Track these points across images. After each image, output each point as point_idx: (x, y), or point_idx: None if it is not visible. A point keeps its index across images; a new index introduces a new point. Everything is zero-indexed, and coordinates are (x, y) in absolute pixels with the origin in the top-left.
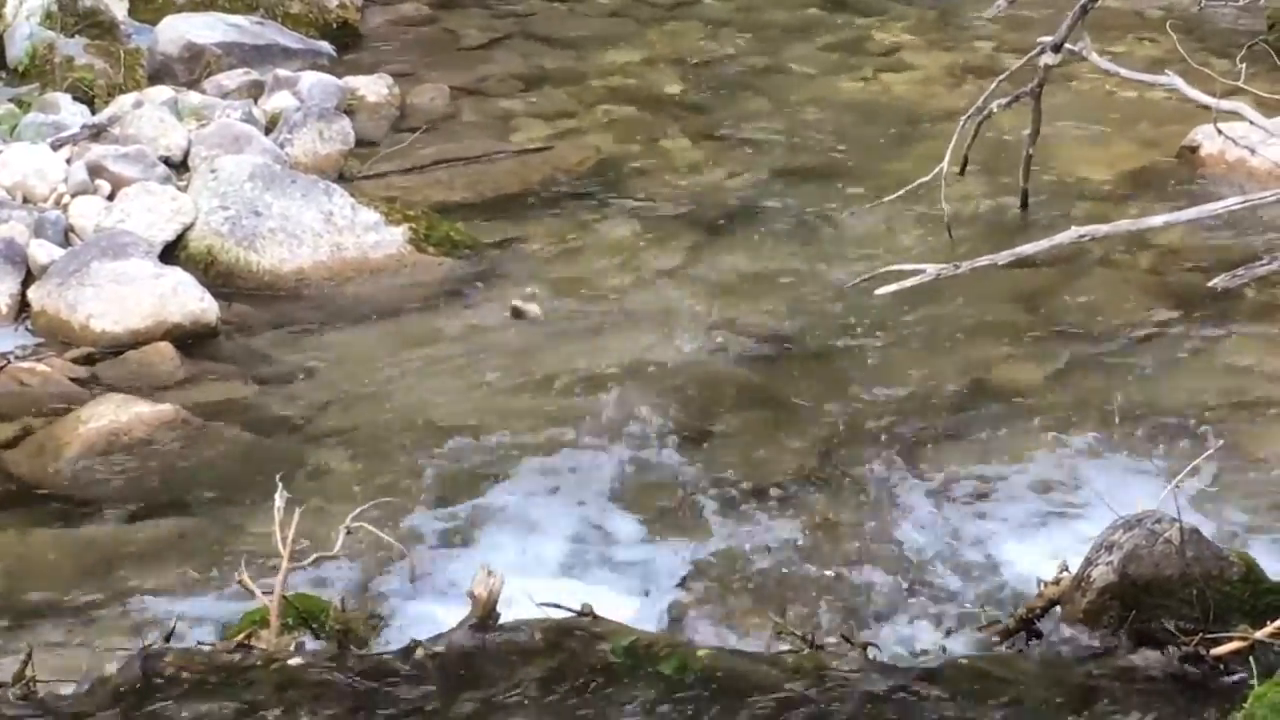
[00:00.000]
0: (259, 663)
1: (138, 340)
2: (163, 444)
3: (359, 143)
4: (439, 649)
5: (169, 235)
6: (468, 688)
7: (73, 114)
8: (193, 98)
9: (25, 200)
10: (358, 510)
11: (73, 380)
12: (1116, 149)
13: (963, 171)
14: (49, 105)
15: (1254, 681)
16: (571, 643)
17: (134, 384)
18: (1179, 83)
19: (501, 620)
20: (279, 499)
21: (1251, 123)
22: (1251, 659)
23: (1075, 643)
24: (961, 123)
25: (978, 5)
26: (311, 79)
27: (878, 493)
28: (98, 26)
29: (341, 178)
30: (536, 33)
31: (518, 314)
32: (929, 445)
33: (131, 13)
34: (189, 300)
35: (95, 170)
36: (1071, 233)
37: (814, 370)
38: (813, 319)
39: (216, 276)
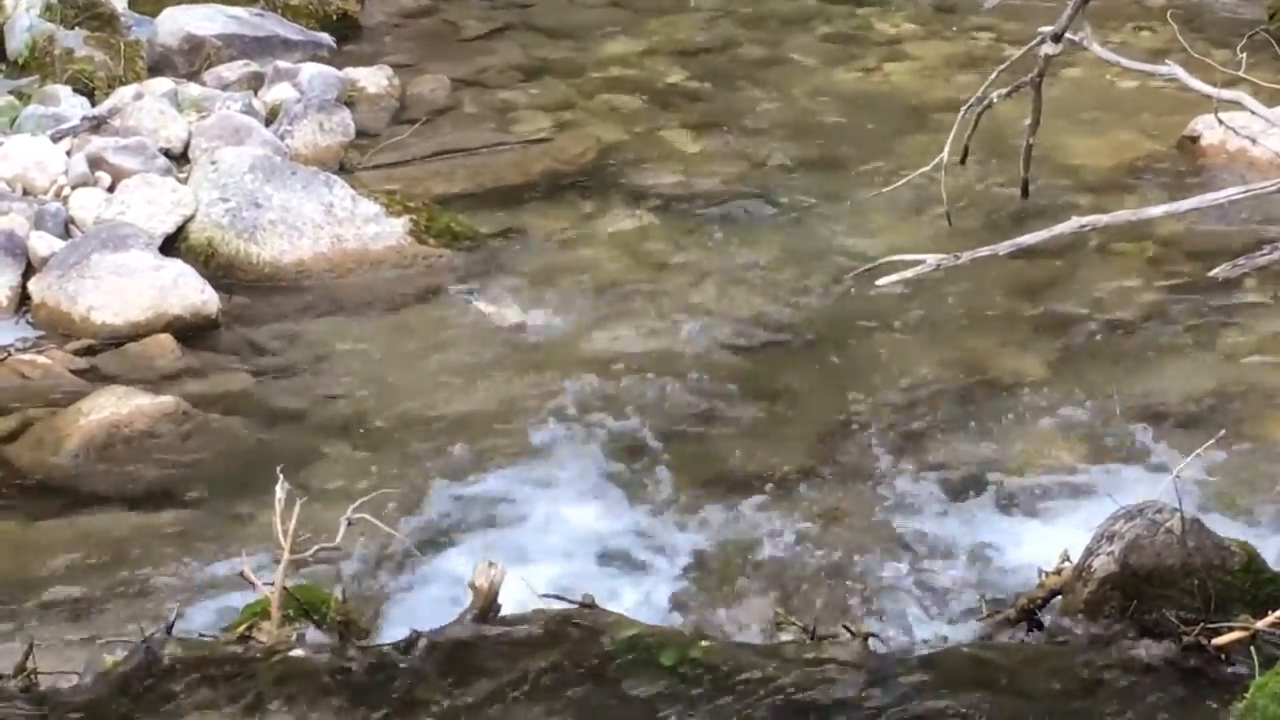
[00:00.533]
0: (260, 654)
1: (138, 332)
2: (163, 436)
3: (359, 134)
4: (440, 640)
5: (169, 227)
6: (469, 679)
7: (73, 106)
8: (193, 89)
9: (25, 192)
10: (359, 502)
11: (73, 372)
12: (1117, 139)
13: (963, 161)
14: (49, 97)
15: (1255, 671)
16: (573, 634)
17: (135, 376)
18: (1179, 72)
19: (502, 612)
20: (280, 491)
21: (1252, 112)
22: (1253, 649)
23: (1076, 633)
24: (962, 113)
25: None
26: (312, 71)
27: (879, 483)
28: (98, 19)
29: (342, 169)
30: (537, 23)
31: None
32: (930, 435)
33: (131, 5)
34: (189, 292)
35: (95, 162)
36: (1072, 223)
37: (815, 360)
38: (813, 309)
39: (217, 268)
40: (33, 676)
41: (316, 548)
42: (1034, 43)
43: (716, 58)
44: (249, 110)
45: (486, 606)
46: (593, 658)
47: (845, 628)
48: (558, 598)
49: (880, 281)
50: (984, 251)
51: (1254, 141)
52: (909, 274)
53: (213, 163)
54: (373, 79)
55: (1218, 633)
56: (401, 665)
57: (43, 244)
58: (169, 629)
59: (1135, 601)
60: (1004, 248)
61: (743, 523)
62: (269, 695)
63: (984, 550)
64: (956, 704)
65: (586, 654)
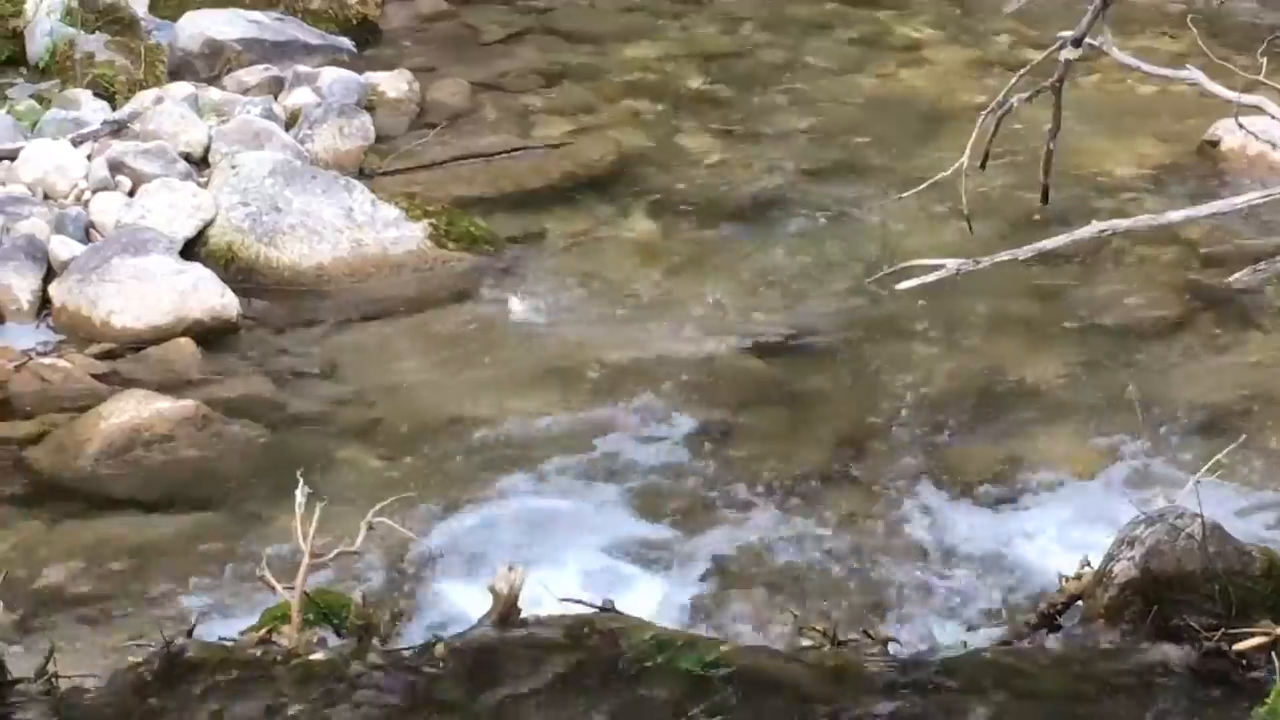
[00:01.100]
0: (280, 658)
1: (158, 336)
2: (183, 440)
3: (379, 138)
4: (460, 645)
5: (189, 231)
6: (489, 683)
7: (93, 110)
8: (213, 94)
9: (46, 197)
10: (379, 505)
11: (94, 376)
12: (1138, 144)
13: (983, 166)
14: (70, 102)
15: (1277, 677)
16: (593, 638)
17: (155, 380)
18: (1200, 77)
19: (523, 616)
20: (300, 494)
21: (1273, 117)
22: (1274, 654)
23: (1097, 638)
24: (982, 117)
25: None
26: (332, 75)
27: (899, 488)
28: (118, 23)
29: (362, 174)
30: (556, 28)
31: None
32: (950, 440)
33: (152, 9)
34: (209, 296)
35: (116, 166)
36: (1093, 227)
37: (835, 365)
38: (833, 314)
39: (237, 272)
40: (54, 679)
41: (337, 551)
42: (1054, 47)
43: (736, 62)
44: (269, 115)
45: (507, 611)
46: (613, 662)
47: (865, 633)
48: (578, 602)
49: (901, 286)
50: (1004, 256)
51: (1275, 146)
52: (929, 278)
53: (233, 167)
54: (393, 83)
55: (1239, 638)
56: (422, 669)
57: (63, 248)
58: (189, 632)
59: (1156, 607)
60: (1024, 252)
61: (763, 527)
62: (289, 699)
63: (1004, 555)
64: (977, 709)
65: (607, 658)
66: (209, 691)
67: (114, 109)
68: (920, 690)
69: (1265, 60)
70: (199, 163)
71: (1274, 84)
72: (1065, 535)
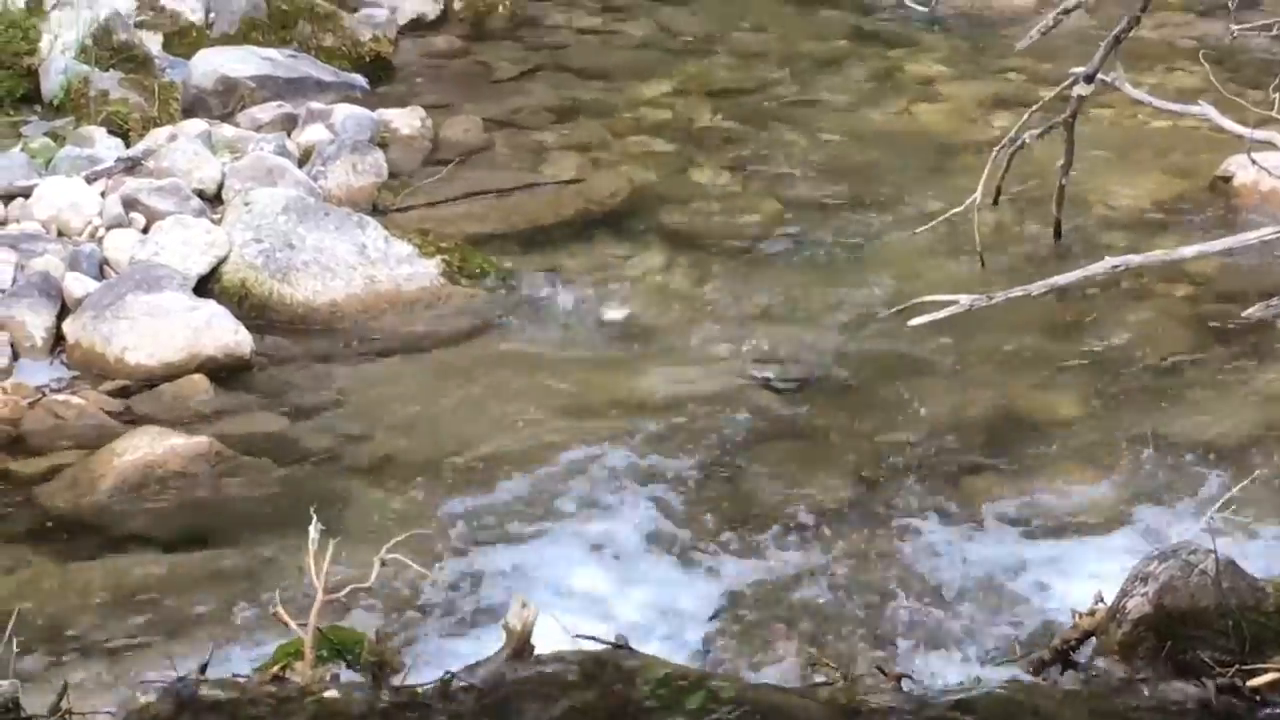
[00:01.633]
0: (294, 695)
1: (172, 373)
2: (197, 476)
3: (392, 175)
4: (474, 681)
5: (203, 268)
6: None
7: (108, 147)
8: (227, 131)
9: (60, 233)
10: (392, 541)
11: (107, 413)
12: (1150, 179)
13: (996, 202)
14: (84, 139)
15: None
16: (607, 675)
17: (168, 416)
18: (1211, 112)
19: (536, 652)
20: (313, 530)
21: None
22: None
23: (1111, 674)
24: (994, 153)
25: (1010, 36)
26: (345, 112)
27: (911, 524)
28: (132, 60)
29: (375, 210)
30: (569, 65)
31: None
32: (963, 476)
33: (166, 46)
34: (223, 333)
35: (130, 203)
36: (1105, 263)
37: (847, 401)
38: (846, 350)
39: (250, 309)
40: (67, 716)
41: (350, 588)
42: (1066, 83)
43: (748, 99)
44: (282, 151)
45: (520, 647)
46: (626, 699)
47: (879, 669)
48: (591, 639)
49: (913, 321)
50: (1017, 292)
51: None
52: (942, 314)
53: (246, 204)
54: (406, 120)
55: (1253, 674)
56: (436, 706)
57: (78, 285)
58: (203, 669)
59: (1170, 643)
60: (1037, 288)
61: (776, 563)
62: None
63: (1018, 591)
64: None
65: (621, 695)
66: None
67: (128, 146)
68: None
69: (1277, 96)
70: (213, 199)
71: None
72: (1079, 571)
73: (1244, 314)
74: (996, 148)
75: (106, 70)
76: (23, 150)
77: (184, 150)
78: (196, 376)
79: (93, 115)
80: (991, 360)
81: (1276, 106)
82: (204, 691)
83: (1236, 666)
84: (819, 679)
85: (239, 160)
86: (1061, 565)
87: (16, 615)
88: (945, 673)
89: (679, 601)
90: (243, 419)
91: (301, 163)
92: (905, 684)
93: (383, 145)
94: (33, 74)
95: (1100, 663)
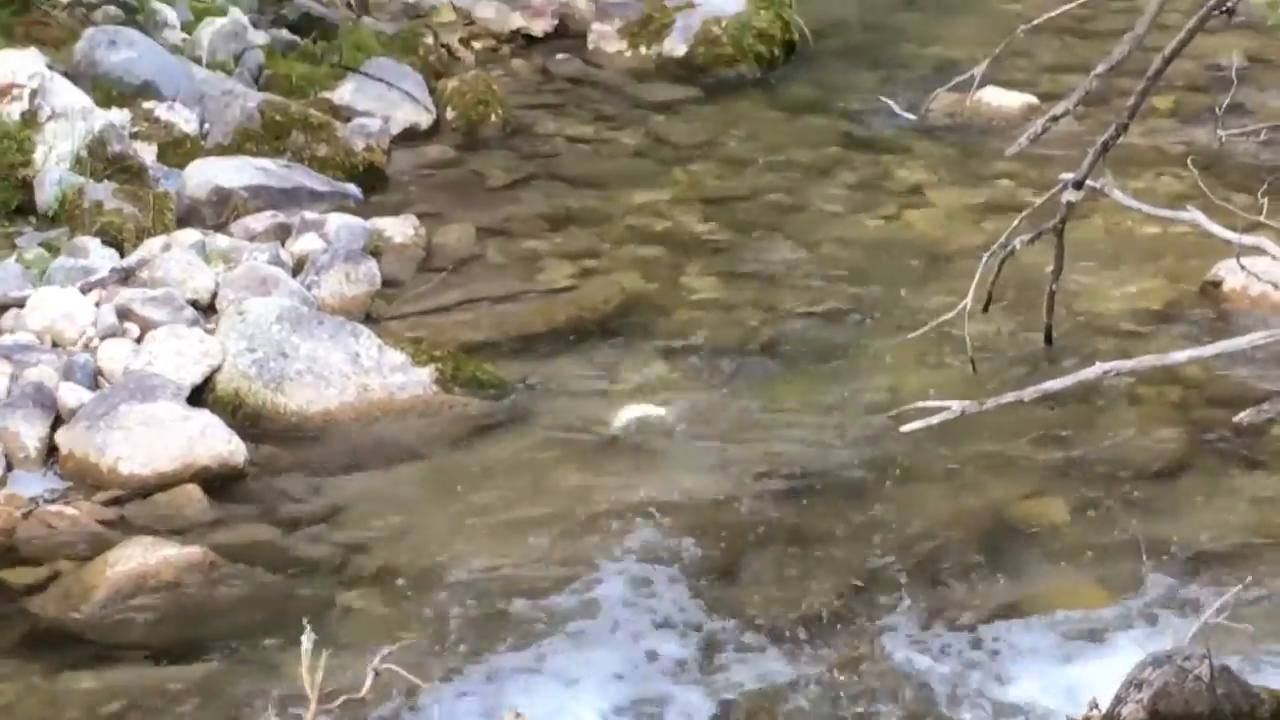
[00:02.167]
0: None
1: (166, 483)
2: (190, 587)
3: (386, 283)
4: None
5: (197, 377)
6: None
7: (101, 258)
8: (220, 240)
9: (54, 344)
10: (385, 652)
11: (101, 523)
12: (1140, 284)
13: (986, 308)
14: (78, 249)
15: None
16: None
17: (162, 527)
18: (1200, 218)
19: None
20: (306, 641)
21: (1274, 257)
22: None
23: None
24: (984, 259)
25: (999, 142)
26: (338, 221)
27: (903, 630)
28: (126, 171)
29: (368, 318)
30: (561, 173)
31: None
32: (954, 581)
33: (160, 157)
34: (217, 442)
35: (124, 313)
36: (1096, 369)
37: (839, 507)
38: (838, 456)
39: (244, 418)
40: None
41: (344, 698)
42: (1056, 189)
43: (741, 205)
44: (276, 261)
45: None
46: None
47: None
48: None
49: (905, 428)
50: (1009, 398)
51: (1277, 286)
52: (934, 420)
53: (240, 313)
54: (399, 228)
55: None
56: None
57: (71, 395)
58: None
59: None
60: (1028, 394)
61: (767, 671)
62: None
63: (1011, 699)
64: None
65: None
66: None
67: (122, 256)
68: None
69: (1265, 200)
70: (206, 309)
71: (1275, 224)
72: (1073, 677)
73: (1236, 419)
74: (987, 253)
75: (101, 181)
76: (17, 261)
77: (178, 260)
78: (190, 486)
79: (87, 226)
80: (984, 465)
81: (1264, 211)
82: None
83: None
84: None
85: (233, 270)
86: (1055, 672)
87: None
88: None
89: (670, 711)
90: (236, 529)
91: (295, 272)
92: None
93: (376, 254)
94: (27, 185)
95: None
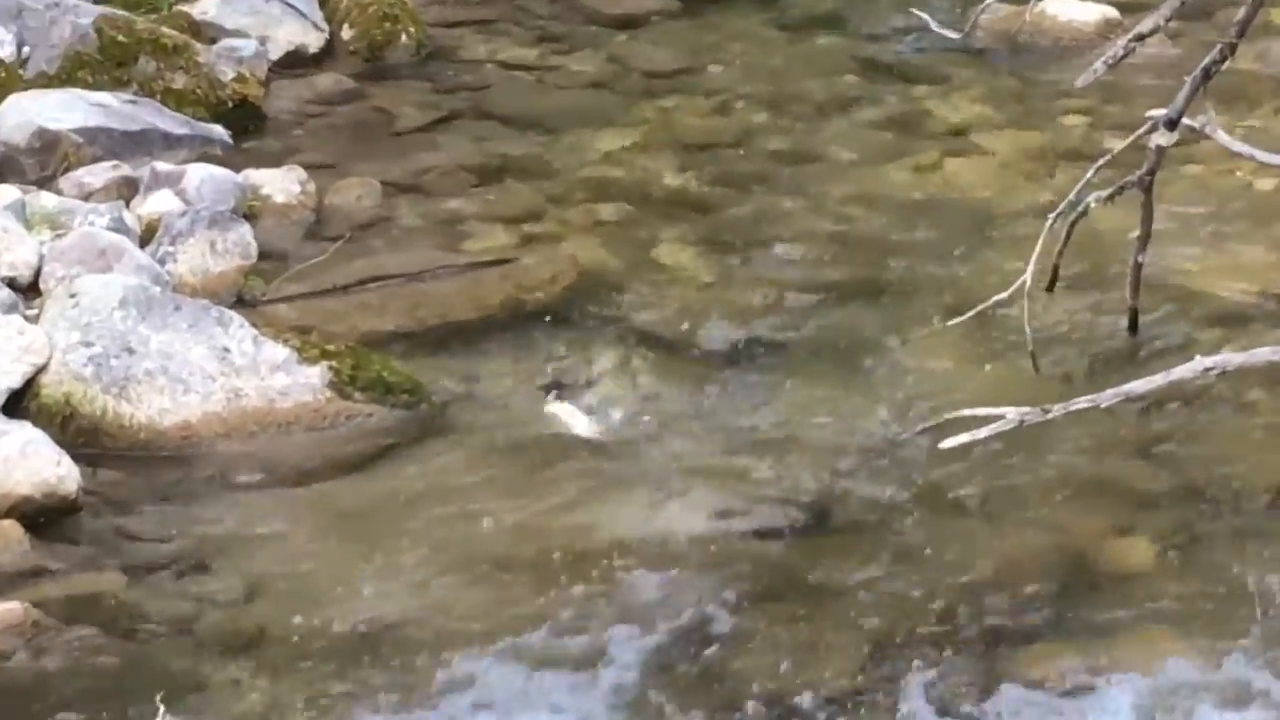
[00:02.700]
0: None
1: None
2: (8, 654)
3: (263, 256)
4: None
5: (15, 381)
6: None
7: None
8: (46, 200)
9: None
10: None
11: None
12: (1251, 255)
13: (1052, 286)
14: None
15: None
16: None
17: None
18: None
19: None
20: None
21: None
22: None
23: None
24: (1049, 222)
25: (1068, 70)
26: (200, 174)
27: (941, 706)
28: None
29: (240, 302)
30: (494, 111)
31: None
32: (1009, 646)
33: None
34: (41, 465)
35: None
36: (1195, 364)
37: (859, 547)
38: (858, 480)
39: (77, 434)
40: None
41: None
42: (1142, 130)
43: (729, 154)
44: (119, 226)
45: None
46: None
47: None
48: None
49: (946, 443)
50: (1081, 403)
51: None
52: (983, 433)
53: (72, 295)
54: (280, 184)
55: None
56: None
57: None
58: None
59: None
60: (1106, 398)
61: None
62: None
63: None
64: None
65: None
66: None
67: None
68: None
69: None
70: (27, 290)
71: None
72: None
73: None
74: (1052, 215)
75: None
76: None
77: None
78: (6, 523)
79: None
80: (1047, 492)
81: None
82: None
83: None
84: None
85: (62, 238)
86: None
87: None
88: None
89: None
90: (67, 579)
91: (144, 241)
92: None
93: (250, 217)
94: None
95: None
